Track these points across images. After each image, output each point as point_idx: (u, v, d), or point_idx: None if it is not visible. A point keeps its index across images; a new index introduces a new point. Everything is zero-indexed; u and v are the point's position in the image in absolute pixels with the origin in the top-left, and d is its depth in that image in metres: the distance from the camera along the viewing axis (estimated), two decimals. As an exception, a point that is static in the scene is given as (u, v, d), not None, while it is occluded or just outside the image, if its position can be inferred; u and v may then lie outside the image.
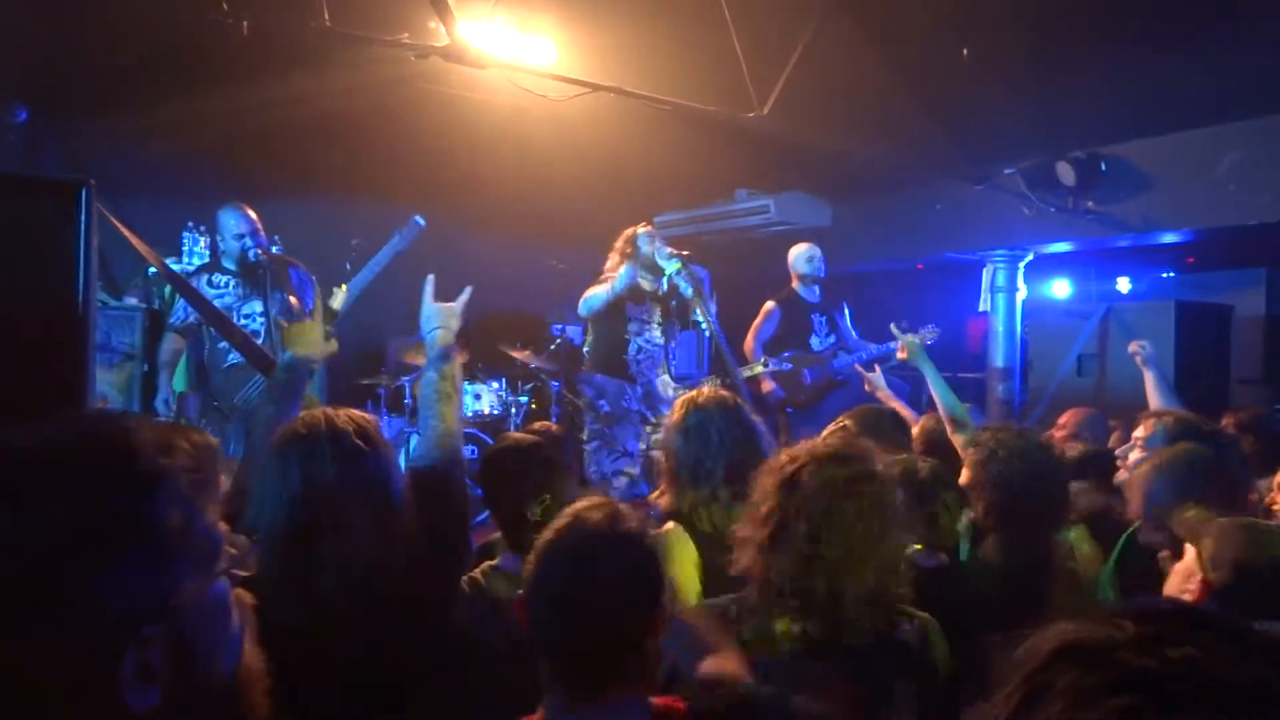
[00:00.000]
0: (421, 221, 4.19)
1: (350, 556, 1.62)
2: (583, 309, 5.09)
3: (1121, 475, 2.77)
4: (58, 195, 1.85)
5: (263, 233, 4.52)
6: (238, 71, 4.67)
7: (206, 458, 0.77)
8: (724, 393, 2.46)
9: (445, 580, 1.84)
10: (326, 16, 3.89)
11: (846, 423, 3.07)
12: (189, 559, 0.72)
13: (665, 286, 5.12)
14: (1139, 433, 2.78)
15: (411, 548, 1.72)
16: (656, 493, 2.56)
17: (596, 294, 5.00)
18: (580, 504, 1.44)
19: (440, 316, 2.20)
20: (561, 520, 1.41)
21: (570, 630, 1.29)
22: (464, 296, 2.29)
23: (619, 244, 5.14)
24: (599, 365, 5.16)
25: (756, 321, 5.90)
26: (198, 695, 0.71)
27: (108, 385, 4.95)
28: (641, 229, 5.13)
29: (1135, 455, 2.73)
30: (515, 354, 6.73)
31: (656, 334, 5.17)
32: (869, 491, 1.69)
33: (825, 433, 2.72)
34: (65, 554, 0.66)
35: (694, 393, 2.49)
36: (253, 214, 4.51)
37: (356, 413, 1.80)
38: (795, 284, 5.94)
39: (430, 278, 2.26)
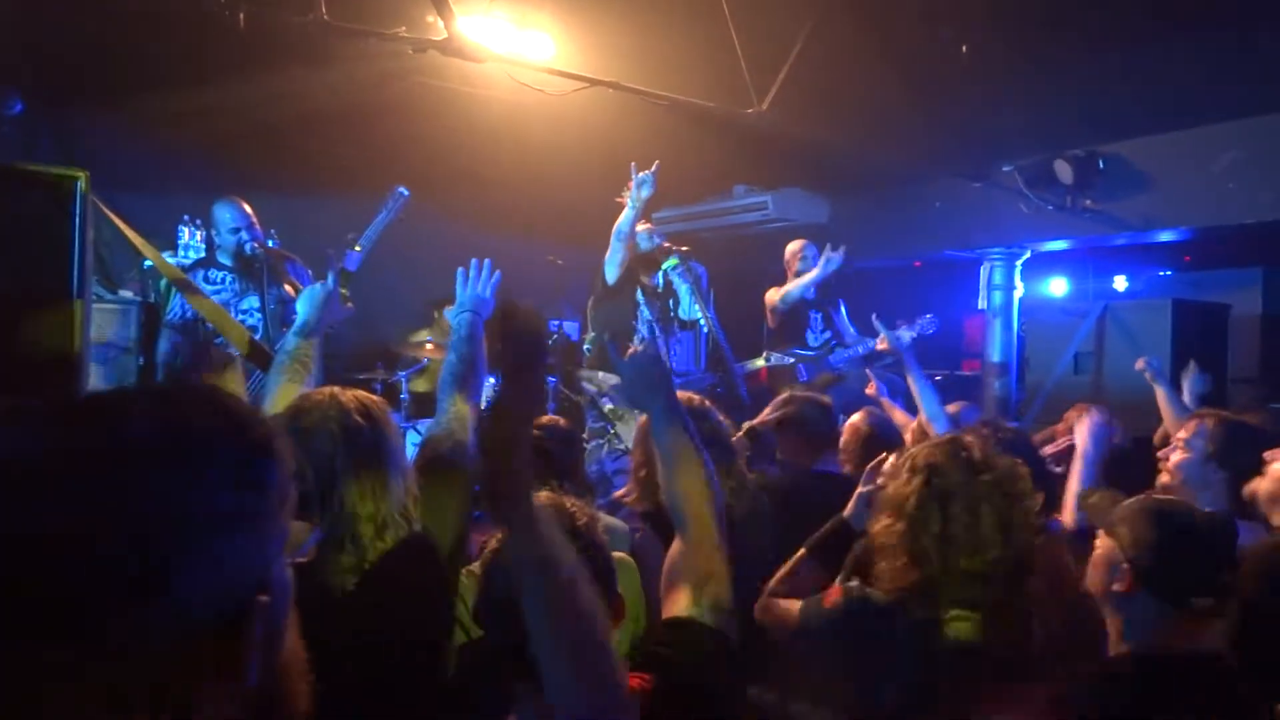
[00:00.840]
0: (405, 192, 4.19)
1: (342, 534, 1.63)
2: (608, 271, 5.10)
3: (1164, 479, 2.70)
4: (53, 188, 1.84)
5: (258, 226, 4.50)
6: (234, 65, 4.66)
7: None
8: (691, 395, 2.47)
9: (441, 568, 1.83)
10: (324, 10, 3.88)
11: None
12: (282, 534, 0.73)
13: (661, 283, 5.13)
14: (1182, 434, 2.71)
15: (410, 533, 1.73)
16: (623, 491, 2.57)
17: (613, 245, 5.03)
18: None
19: (470, 302, 2.22)
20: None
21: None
22: (494, 281, 2.30)
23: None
24: (599, 360, 5.16)
25: (771, 292, 5.91)
26: (269, 680, 0.70)
27: (102, 379, 4.94)
28: (641, 227, 5.13)
29: (1178, 456, 2.67)
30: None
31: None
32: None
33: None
34: (205, 518, 0.65)
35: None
36: (248, 207, 4.49)
37: (363, 393, 1.82)
38: (791, 278, 5.95)
39: (461, 269, 2.27)
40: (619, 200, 5.01)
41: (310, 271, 4.56)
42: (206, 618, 0.65)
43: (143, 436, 0.65)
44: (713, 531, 1.47)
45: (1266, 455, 2.37)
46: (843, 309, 6.02)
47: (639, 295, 5.11)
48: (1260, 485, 2.32)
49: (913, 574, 1.75)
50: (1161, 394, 3.81)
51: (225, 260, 4.50)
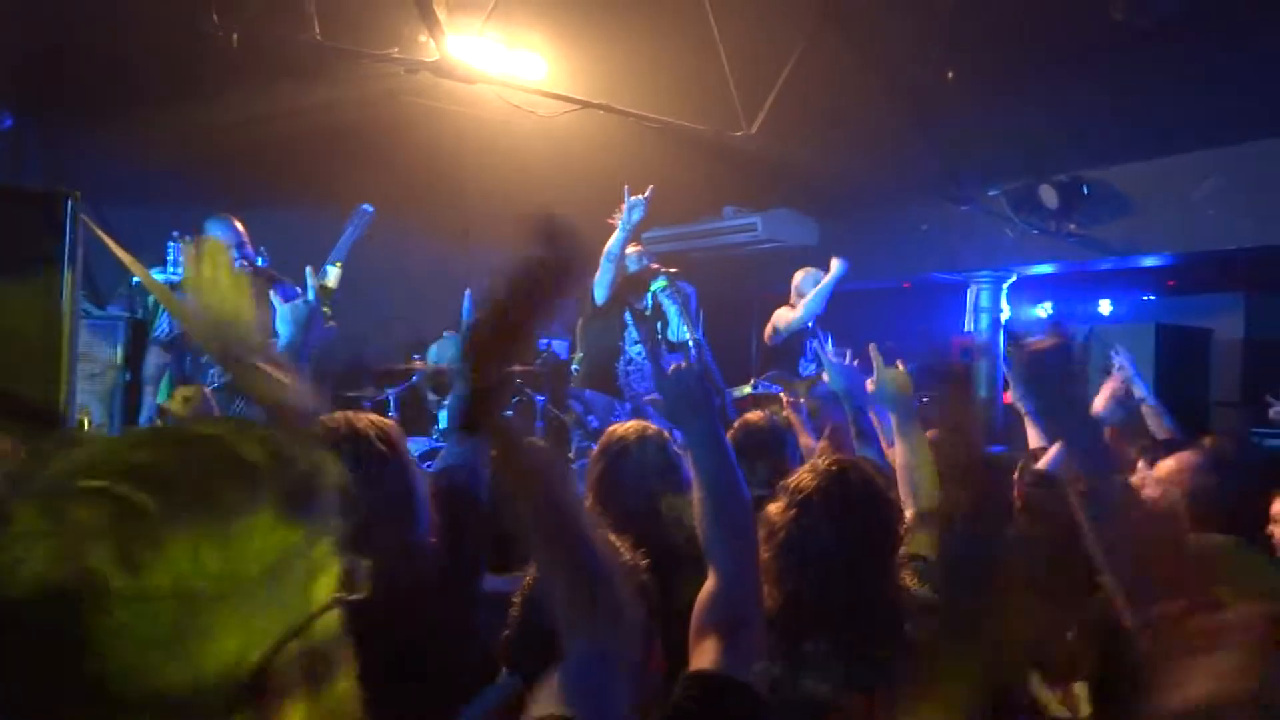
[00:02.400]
0: (370, 209, 4.23)
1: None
2: (596, 292, 5.11)
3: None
4: (42, 206, 1.84)
5: (250, 245, 4.50)
6: (227, 83, 4.67)
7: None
8: (648, 425, 2.46)
9: (463, 594, 1.78)
10: (317, 30, 3.90)
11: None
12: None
13: (650, 305, 5.15)
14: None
15: (430, 558, 1.69)
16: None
17: (602, 266, 5.04)
18: None
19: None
20: None
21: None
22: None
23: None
24: (588, 379, 5.17)
25: (780, 312, 5.86)
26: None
27: (89, 395, 4.91)
28: (630, 249, 5.16)
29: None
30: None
31: (637, 350, 5.20)
32: None
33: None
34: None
35: (615, 425, 2.51)
36: (240, 226, 4.49)
37: (377, 417, 1.78)
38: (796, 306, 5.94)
39: (468, 292, 2.26)
40: (610, 222, 5.04)
41: (300, 290, 4.56)
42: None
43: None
44: (748, 576, 1.38)
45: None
46: (828, 342, 6.04)
47: (627, 316, 5.12)
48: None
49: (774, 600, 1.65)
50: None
51: None
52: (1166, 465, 2.38)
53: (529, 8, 4.54)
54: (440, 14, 4.15)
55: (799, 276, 6.01)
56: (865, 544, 1.64)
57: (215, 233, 4.45)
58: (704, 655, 1.30)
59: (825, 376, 3.49)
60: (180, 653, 0.58)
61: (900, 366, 2.76)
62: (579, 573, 1.01)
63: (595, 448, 2.57)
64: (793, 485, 1.71)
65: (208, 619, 0.59)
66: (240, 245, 4.42)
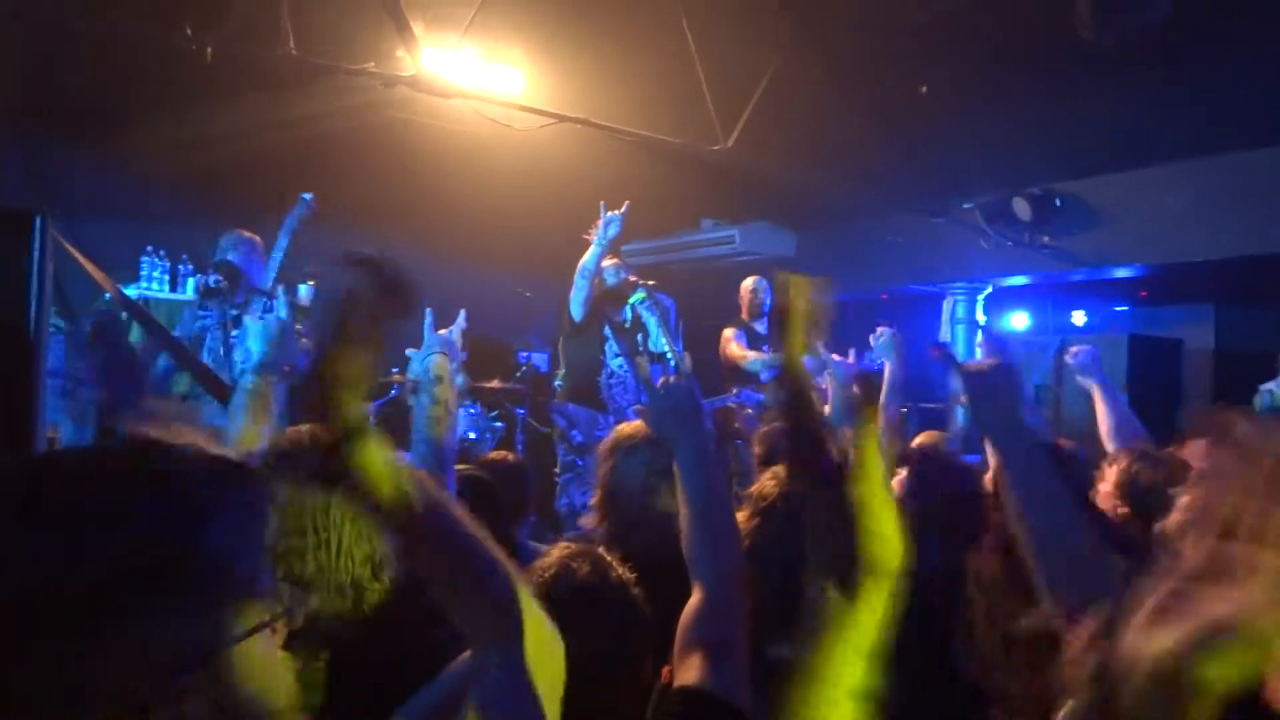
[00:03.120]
0: (308, 197, 4.24)
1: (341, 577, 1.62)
2: (574, 309, 5.10)
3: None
4: (12, 224, 1.83)
5: (263, 258, 4.46)
6: (201, 97, 4.65)
7: (262, 490, 0.74)
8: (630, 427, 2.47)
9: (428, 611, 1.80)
10: (292, 44, 3.89)
11: None
12: (235, 604, 0.68)
13: (629, 317, 5.16)
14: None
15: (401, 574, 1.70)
16: (589, 516, 2.56)
17: (577, 283, 5.04)
18: (566, 552, 1.45)
19: (437, 343, 2.18)
20: (548, 568, 1.41)
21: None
22: (460, 322, 2.27)
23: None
24: (571, 394, 5.17)
25: (733, 347, 5.77)
26: None
27: (60, 411, 4.84)
28: (607, 262, 5.17)
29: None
30: (485, 385, 6.68)
31: (618, 362, 5.20)
32: None
33: None
34: (104, 591, 0.61)
35: (622, 426, 2.53)
36: (256, 238, 4.46)
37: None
38: (746, 315, 5.91)
39: (429, 310, 2.24)
40: (585, 237, 5.05)
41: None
42: (107, 695, 0.62)
43: (44, 493, 0.64)
44: (733, 593, 1.35)
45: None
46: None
47: (606, 330, 5.13)
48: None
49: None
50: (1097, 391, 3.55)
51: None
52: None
53: (506, 23, 4.56)
54: (417, 28, 4.15)
55: (746, 285, 6.01)
56: None
57: (231, 255, 4.35)
58: (689, 671, 1.29)
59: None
60: None
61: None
62: (476, 582, 1.00)
63: (583, 462, 2.57)
64: (756, 493, 1.71)
65: None
66: (251, 262, 4.36)
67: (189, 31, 3.81)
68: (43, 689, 0.60)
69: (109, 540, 0.62)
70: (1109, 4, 3.77)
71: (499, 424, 6.52)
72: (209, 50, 3.81)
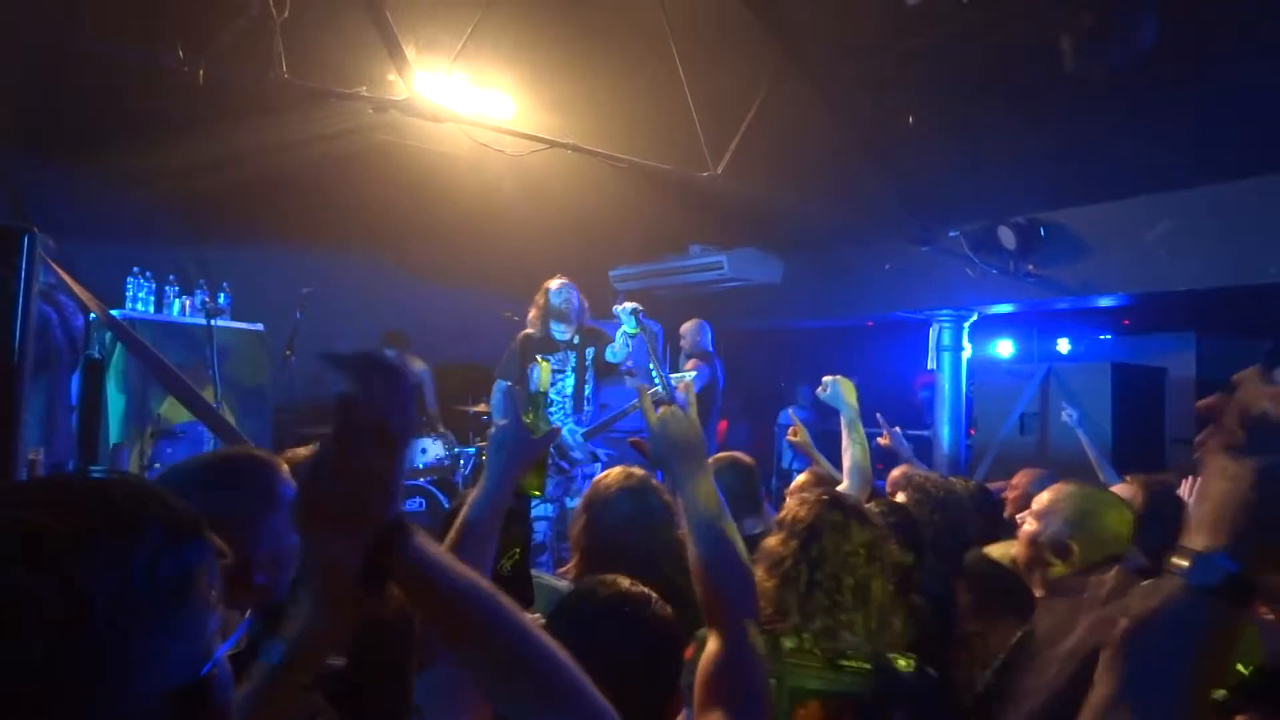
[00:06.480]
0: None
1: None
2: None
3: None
4: (-2, 243, 1.81)
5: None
6: (191, 120, 4.65)
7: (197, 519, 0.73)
8: (635, 471, 2.44)
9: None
10: (284, 68, 3.90)
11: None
12: (211, 627, 0.69)
13: (576, 338, 5.13)
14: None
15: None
16: (567, 567, 2.51)
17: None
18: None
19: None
20: (585, 587, 1.41)
21: None
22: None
23: (537, 296, 5.20)
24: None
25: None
26: None
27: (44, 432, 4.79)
28: (554, 282, 5.14)
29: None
30: (468, 409, 6.65)
31: (568, 384, 5.16)
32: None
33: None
34: (106, 620, 0.61)
35: (602, 474, 2.52)
36: None
37: None
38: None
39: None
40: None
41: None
42: (148, 704, 0.63)
43: (76, 516, 0.64)
44: (752, 638, 1.25)
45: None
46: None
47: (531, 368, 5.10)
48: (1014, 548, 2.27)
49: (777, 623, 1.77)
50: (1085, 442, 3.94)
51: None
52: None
53: (497, 48, 4.60)
54: (409, 53, 4.18)
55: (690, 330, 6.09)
56: None
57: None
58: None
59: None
60: None
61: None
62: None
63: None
64: (789, 518, 1.84)
65: None
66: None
67: (180, 54, 3.82)
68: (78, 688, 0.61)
69: (110, 567, 0.63)
70: (1092, 36, 3.84)
71: (472, 450, 6.40)
72: (200, 73, 3.82)
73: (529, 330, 5.21)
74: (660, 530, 2.23)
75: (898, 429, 4.34)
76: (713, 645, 1.26)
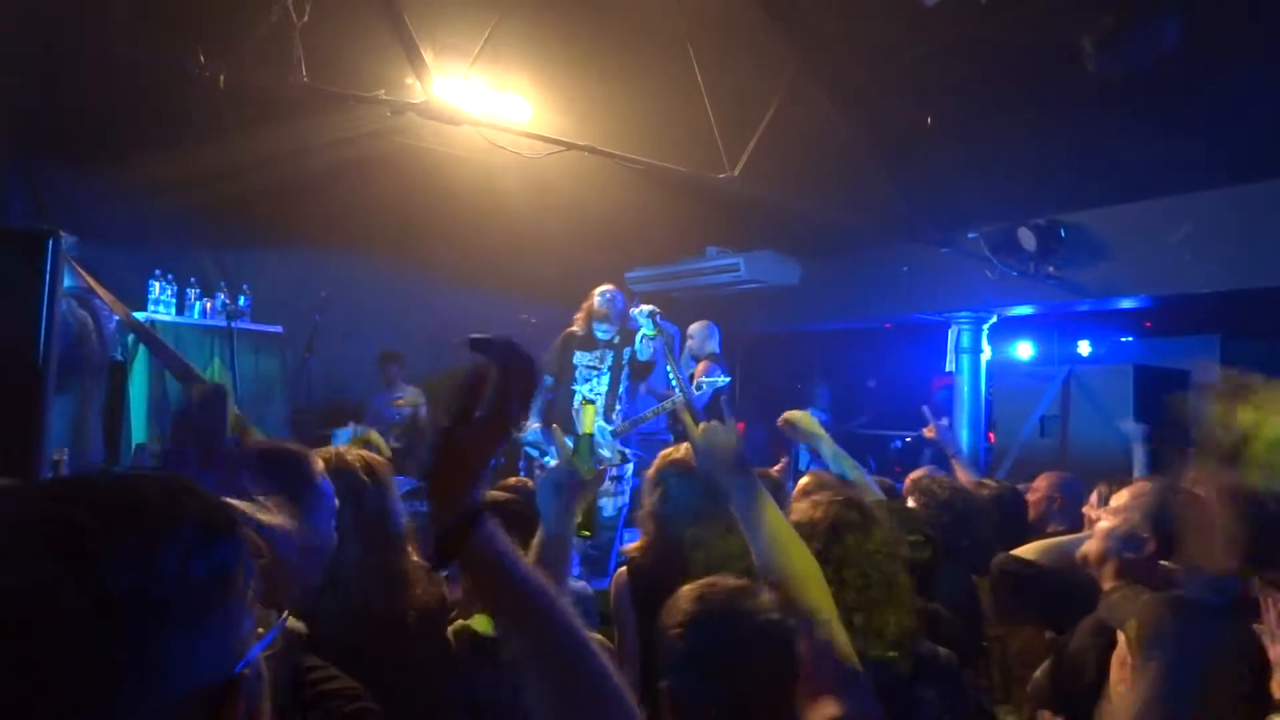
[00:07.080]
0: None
1: (346, 584, 1.65)
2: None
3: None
4: (24, 245, 1.83)
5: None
6: (212, 123, 4.69)
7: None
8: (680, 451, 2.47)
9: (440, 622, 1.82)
10: (304, 72, 3.94)
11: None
12: (245, 627, 0.69)
13: (617, 338, 5.22)
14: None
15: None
16: (634, 545, 2.55)
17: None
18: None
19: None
20: (699, 589, 1.42)
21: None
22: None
23: (585, 301, 5.27)
24: (542, 419, 5.20)
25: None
26: None
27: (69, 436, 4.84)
28: (601, 287, 5.27)
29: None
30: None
31: (603, 382, 5.21)
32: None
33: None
34: (135, 619, 0.61)
35: (667, 450, 2.53)
36: None
37: (368, 453, 1.87)
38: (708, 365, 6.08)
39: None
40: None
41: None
42: (177, 703, 0.62)
43: (107, 517, 0.63)
44: (838, 625, 1.34)
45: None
46: None
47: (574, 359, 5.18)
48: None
49: None
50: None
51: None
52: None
53: (515, 51, 4.61)
54: (427, 56, 4.20)
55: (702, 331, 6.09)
56: None
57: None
58: (824, 709, 1.30)
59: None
60: None
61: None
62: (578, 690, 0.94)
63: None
64: (804, 521, 1.83)
65: None
66: None
67: (201, 59, 3.85)
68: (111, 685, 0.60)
69: (162, 548, 0.63)
70: (1113, 37, 3.81)
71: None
72: (221, 77, 3.86)
73: (573, 328, 5.35)
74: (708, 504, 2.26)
75: (945, 421, 4.30)
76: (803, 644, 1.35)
